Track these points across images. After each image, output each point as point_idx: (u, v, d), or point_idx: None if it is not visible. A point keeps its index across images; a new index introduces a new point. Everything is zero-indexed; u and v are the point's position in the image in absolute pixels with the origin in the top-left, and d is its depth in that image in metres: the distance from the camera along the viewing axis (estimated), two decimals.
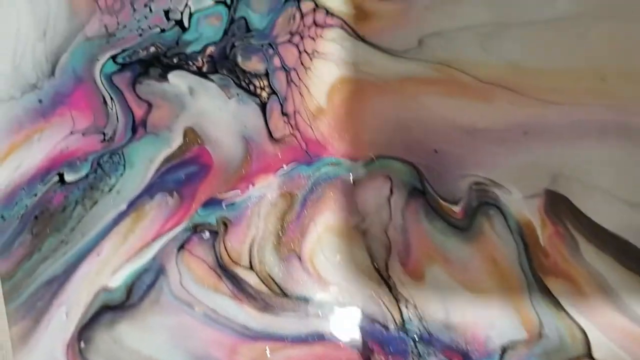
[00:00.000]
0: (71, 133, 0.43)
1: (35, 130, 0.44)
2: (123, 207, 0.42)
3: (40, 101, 0.44)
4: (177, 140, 0.42)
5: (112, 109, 0.43)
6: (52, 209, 0.43)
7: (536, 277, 0.35)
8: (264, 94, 0.40)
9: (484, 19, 0.36)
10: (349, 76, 0.39)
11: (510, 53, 0.35)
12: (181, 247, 0.41)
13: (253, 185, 0.40)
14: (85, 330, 0.42)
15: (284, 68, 0.40)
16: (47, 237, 0.43)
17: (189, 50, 0.42)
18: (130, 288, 0.41)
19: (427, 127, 0.37)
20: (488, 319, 0.36)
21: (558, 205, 0.35)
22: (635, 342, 0.34)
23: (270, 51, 0.40)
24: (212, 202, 0.41)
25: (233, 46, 0.41)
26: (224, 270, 0.40)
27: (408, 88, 0.38)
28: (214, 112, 0.41)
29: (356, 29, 0.39)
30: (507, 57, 0.35)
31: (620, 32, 0.34)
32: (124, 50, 0.42)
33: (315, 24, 0.40)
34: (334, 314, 0.39)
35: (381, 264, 0.38)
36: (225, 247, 0.41)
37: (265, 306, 0.40)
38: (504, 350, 0.36)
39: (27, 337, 0.43)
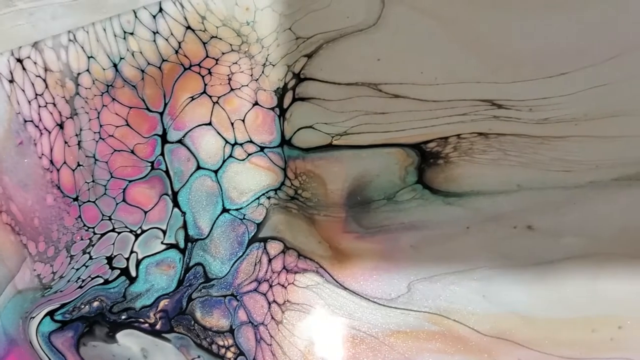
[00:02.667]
0: None
1: None
2: None
3: None
4: None
5: None
6: None
7: None
8: (230, 355, 0.35)
9: (481, 260, 0.31)
10: (329, 331, 0.33)
11: (515, 300, 0.31)
12: None
13: None
14: None
15: (252, 323, 0.35)
16: None
17: (139, 304, 0.36)
18: None
19: None
20: None
21: None
22: None
23: (234, 303, 0.35)
24: None
25: (190, 298, 0.35)
26: None
27: (397, 344, 0.33)
28: None
29: (334, 274, 0.34)
30: (511, 306, 0.31)
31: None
32: (62, 306, 0.36)
33: (285, 269, 0.34)
34: None
35: None
36: None
37: None
38: None
39: None
